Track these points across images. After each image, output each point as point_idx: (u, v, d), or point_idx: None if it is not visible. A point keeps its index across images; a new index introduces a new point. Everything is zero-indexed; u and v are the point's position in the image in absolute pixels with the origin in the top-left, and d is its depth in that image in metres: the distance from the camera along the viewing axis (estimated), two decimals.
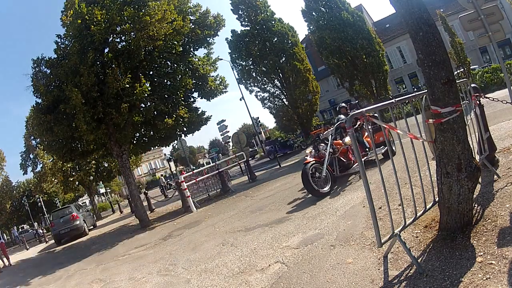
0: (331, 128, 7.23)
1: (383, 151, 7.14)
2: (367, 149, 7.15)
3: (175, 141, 15.03)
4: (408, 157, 3.01)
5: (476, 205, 3.14)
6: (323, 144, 6.77)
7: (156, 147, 15.25)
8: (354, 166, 6.91)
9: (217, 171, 12.14)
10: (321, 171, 6.19)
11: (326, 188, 6.10)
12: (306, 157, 7.41)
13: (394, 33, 32.34)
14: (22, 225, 37.09)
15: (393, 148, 11.19)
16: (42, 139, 11.02)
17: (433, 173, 3.03)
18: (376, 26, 34.05)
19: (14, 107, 75.66)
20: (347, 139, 6.84)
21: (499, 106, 7.53)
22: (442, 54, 2.66)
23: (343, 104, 8.22)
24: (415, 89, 27.70)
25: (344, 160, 6.84)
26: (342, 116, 7.56)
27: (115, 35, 10.42)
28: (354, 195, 5.42)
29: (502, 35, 6.08)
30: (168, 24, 9.96)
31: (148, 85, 11.37)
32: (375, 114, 3.14)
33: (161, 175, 36.37)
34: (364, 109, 2.82)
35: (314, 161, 6.35)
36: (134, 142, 12.15)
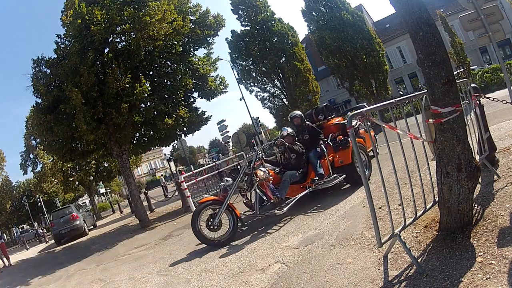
0: (258, 147, 6.10)
1: (341, 178, 5.72)
2: (319, 177, 5.65)
3: (175, 141, 15.02)
4: (408, 157, 3.01)
5: (476, 205, 3.14)
6: (228, 179, 5.40)
7: (156, 147, 15.22)
8: (286, 202, 5.31)
9: (217, 171, 12.14)
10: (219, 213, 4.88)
11: (224, 235, 4.92)
12: (205, 195, 6.52)
13: (394, 33, 32.35)
14: (22, 225, 37.10)
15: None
16: (42, 139, 11.01)
17: (433, 173, 3.03)
18: (376, 26, 34.06)
19: (14, 107, 75.71)
20: (261, 173, 5.28)
21: (499, 106, 7.52)
22: (442, 54, 2.66)
23: (297, 113, 6.45)
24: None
25: (261, 195, 5.23)
26: (288, 129, 6.12)
27: (115, 35, 10.42)
28: (354, 195, 5.42)
29: (502, 35, 6.08)
30: (168, 24, 9.96)
31: (148, 85, 11.36)
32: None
33: (161, 175, 36.39)
34: (364, 109, 2.82)
35: (211, 201, 5.04)
36: (134, 142, 12.14)
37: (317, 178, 5.66)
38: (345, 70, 21.49)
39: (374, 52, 20.71)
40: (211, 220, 4.91)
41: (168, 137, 12.23)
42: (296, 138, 6.21)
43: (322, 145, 5.89)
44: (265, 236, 4.74)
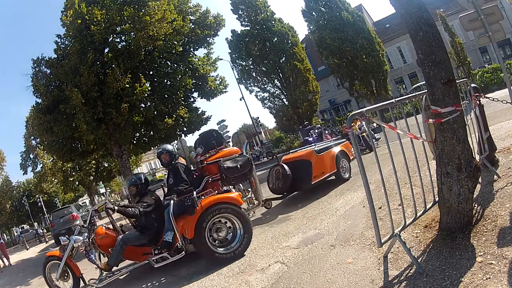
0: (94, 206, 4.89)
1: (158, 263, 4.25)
2: (162, 246, 4.26)
3: (175, 141, 15.03)
4: (408, 157, 3.01)
5: (476, 205, 3.14)
6: (64, 238, 4.62)
7: (156, 147, 15.24)
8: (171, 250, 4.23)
9: None
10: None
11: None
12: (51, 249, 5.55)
13: (394, 33, 32.30)
14: (22, 225, 37.07)
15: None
16: (42, 139, 11.03)
17: (433, 173, 3.03)
18: (376, 26, 34.02)
19: (14, 107, 75.66)
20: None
21: (499, 106, 7.51)
22: (442, 54, 2.66)
23: (166, 148, 5.05)
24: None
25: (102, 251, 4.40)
26: (139, 176, 4.94)
27: (115, 35, 10.43)
28: (354, 195, 5.42)
29: (502, 35, 6.07)
30: (168, 24, 9.97)
31: (148, 85, 11.37)
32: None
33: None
34: (362, 111, 2.82)
35: (56, 257, 4.48)
36: (134, 142, 12.15)
37: (160, 247, 4.25)
38: (345, 70, 21.51)
39: (374, 52, 20.73)
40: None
41: (168, 137, 12.23)
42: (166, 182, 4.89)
43: (175, 197, 4.40)
44: (265, 236, 4.74)
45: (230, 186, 4.84)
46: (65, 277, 4.44)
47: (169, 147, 5.18)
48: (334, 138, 10.02)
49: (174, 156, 5.01)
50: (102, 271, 4.37)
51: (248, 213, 5.14)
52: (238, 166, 4.86)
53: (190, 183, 4.74)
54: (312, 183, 6.24)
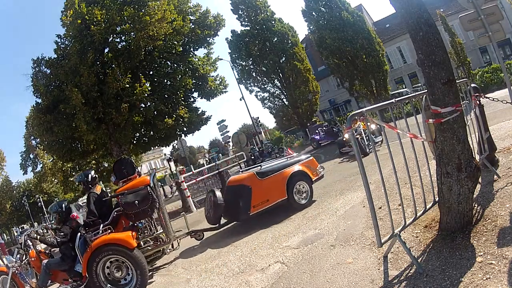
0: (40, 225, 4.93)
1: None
2: (72, 276, 4.44)
3: (175, 141, 15.02)
4: (408, 157, 3.01)
5: (476, 205, 3.14)
6: (10, 257, 4.90)
7: (156, 147, 15.24)
8: None
9: (217, 171, 12.14)
10: None
11: None
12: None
13: (394, 33, 32.31)
14: (22, 225, 37.09)
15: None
16: (42, 139, 11.03)
17: (433, 173, 3.03)
18: (376, 26, 34.03)
19: (14, 107, 75.67)
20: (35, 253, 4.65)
21: (499, 106, 7.52)
22: (442, 54, 2.66)
23: (83, 175, 4.96)
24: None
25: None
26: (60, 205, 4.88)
27: (115, 35, 10.43)
28: (354, 195, 5.42)
29: (502, 35, 6.07)
30: (168, 24, 9.98)
31: (148, 85, 11.37)
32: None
33: (169, 174, 36.26)
34: (364, 109, 2.82)
35: (5, 272, 4.63)
36: (134, 142, 12.15)
37: (72, 276, 4.41)
38: (345, 70, 21.49)
39: (374, 52, 20.72)
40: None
41: (168, 137, 12.24)
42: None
43: (82, 230, 4.41)
44: (265, 236, 4.74)
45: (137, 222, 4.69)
46: None
47: (86, 175, 4.97)
48: (296, 154, 8.69)
49: (89, 184, 4.84)
50: None
51: (162, 252, 5.05)
52: (136, 202, 4.45)
53: (105, 214, 4.60)
54: (250, 214, 5.41)
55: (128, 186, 4.71)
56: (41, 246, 5.12)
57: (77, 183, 4.95)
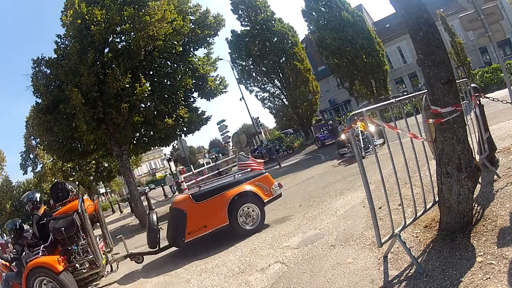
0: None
1: None
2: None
3: (175, 141, 15.02)
4: (408, 157, 3.01)
5: (476, 205, 3.14)
6: None
7: (156, 147, 15.22)
8: None
9: (217, 171, 12.16)
10: None
11: None
12: None
13: (394, 33, 32.31)
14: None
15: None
16: (42, 139, 11.03)
17: (433, 173, 3.03)
18: (376, 26, 34.03)
19: (14, 107, 75.68)
20: None
21: (499, 106, 7.51)
22: (442, 54, 2.66)
23: (29, 197, 5.15)
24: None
25: None
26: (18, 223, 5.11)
27: (115, 35, 10.42)
28: (354, 195, 5.42)
29: (502, 35, 6.07)
30: (168, 24, 9.97)
31: (148, 85, 11.36)
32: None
33: (169, 174, 36.23)
34: (364, 109, 2.82)
35: None
36: (134, 142, 12.14)
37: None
38: (345, 70, 21.51)
39: (374, 52, 20.73)
40: None
41: (168, 137, 12.23)
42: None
43: (26, 252, 4.64)
44: (265, 236, 4.74)
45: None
46: None
47: (34, 195, 5.12)
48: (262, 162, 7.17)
49: (37, 204, 5.00)
50: None
51: (98, 274, 5.05)
52: (63, 229, 4.51)
53: (46, 235, 4.68)
54: (186, 241, 4.94)
55: (60, 211, 4.83)
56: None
57: (25, 202, 5.16)
